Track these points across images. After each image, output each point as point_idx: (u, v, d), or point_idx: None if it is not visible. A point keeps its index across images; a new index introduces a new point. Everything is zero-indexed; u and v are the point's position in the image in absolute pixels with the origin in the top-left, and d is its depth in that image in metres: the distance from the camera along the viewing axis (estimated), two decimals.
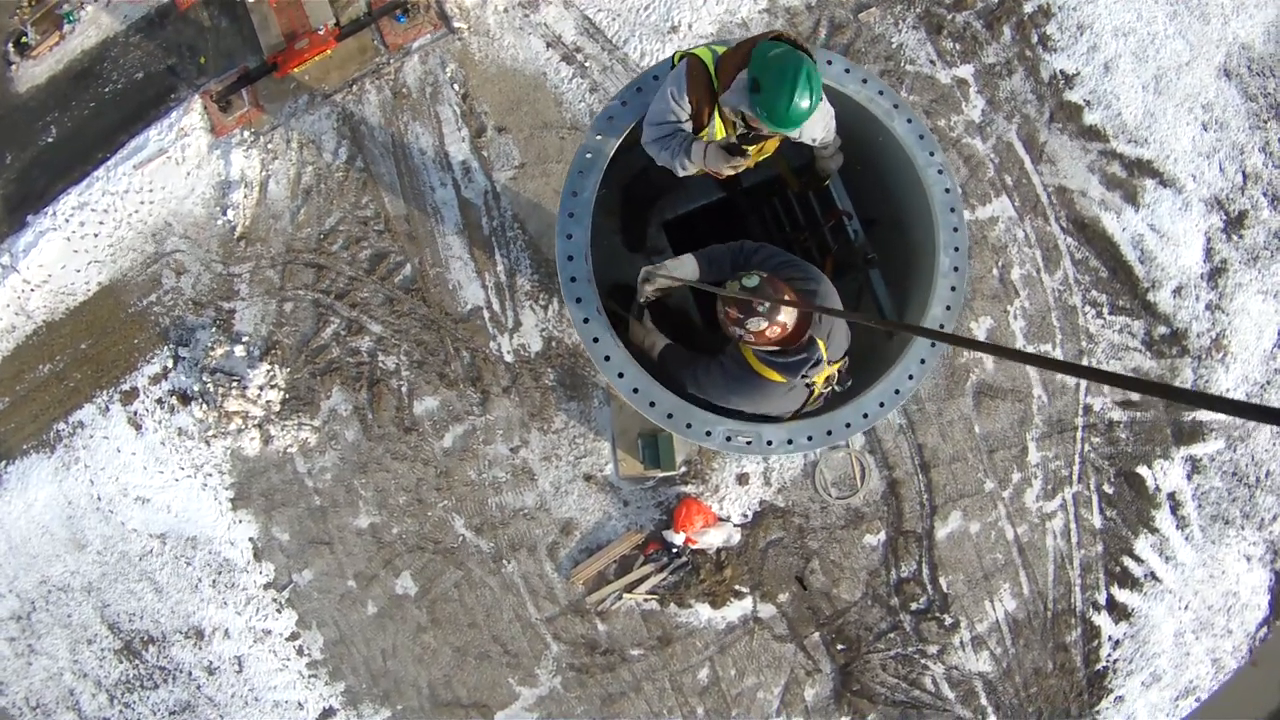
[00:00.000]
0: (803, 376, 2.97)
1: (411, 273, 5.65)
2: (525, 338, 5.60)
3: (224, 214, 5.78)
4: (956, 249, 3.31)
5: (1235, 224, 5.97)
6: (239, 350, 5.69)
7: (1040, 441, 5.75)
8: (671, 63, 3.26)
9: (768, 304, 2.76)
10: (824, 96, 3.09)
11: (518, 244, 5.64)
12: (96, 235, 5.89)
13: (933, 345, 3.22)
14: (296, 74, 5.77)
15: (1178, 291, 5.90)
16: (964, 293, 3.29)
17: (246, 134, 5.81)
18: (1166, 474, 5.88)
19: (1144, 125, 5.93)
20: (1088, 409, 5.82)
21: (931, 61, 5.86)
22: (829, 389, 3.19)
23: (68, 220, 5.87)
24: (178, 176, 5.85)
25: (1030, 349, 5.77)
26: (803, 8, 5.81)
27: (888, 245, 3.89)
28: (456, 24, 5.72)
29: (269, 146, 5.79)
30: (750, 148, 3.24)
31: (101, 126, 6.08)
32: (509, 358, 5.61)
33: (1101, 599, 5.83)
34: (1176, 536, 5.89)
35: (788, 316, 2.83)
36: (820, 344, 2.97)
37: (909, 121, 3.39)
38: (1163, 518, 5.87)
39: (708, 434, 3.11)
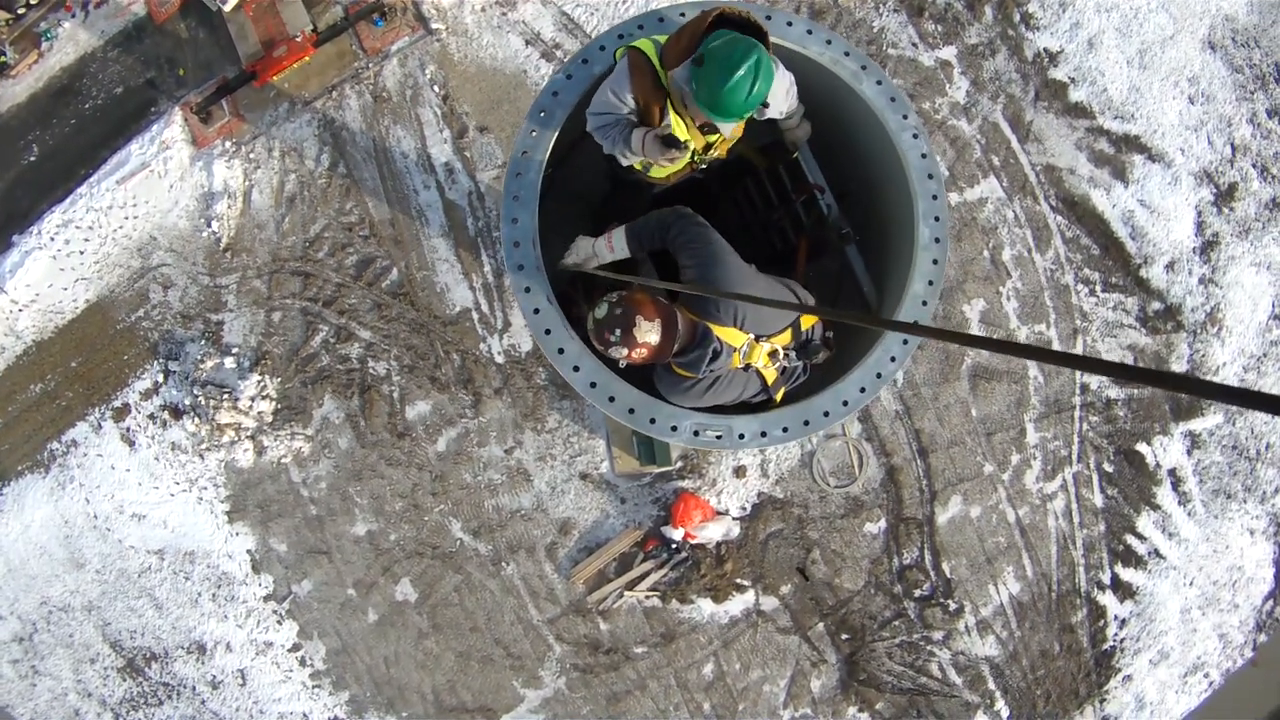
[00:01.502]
0: (711, 369, 2.79)
1: (398, 277, 5.62)
2: (515, 338, 5.57)
3: (208, 226, 5.75)
4: (937, 218, 3.10)
5: (1225, 196, 5.93)
6: (229, 362, 5.66)
7: (1038, 422, 5.71)
8: (614, 57, 3.08)
9: (618, 331, 2.60)
10: (779, 65, 2.95)
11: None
12: (82, 252, 5.86)
13: (914, 323, 3.08)
14: (276, 82, 5.74)
15: (1170, 266, 5.86)
16: (946, 265, 3.09)
17: (228, 144, 5.78)
18: (1166, 450, 5.84)
19: (1130, 100, 5.89)
20: (1085, 388, 5.78)
21: (914, 44, 5.83)
22: (797, 363, 2.99)
23: (53, 238, 5.84)
24: (161, 190, 5.82)
25: (1024, 330, 5.73)
26: None
27: (863, 219, 3.70)
28: (434, 25, 5.68)
29: (251, 156, 5.76)
30: (713, 137, 3.10)
31: (83, 143, 6.05)
32: (499, 359, 5.57)
33: (1106, 578, 5.80)
34: (1179, 513, 5.85)
35: (652, 335, 2.63)
36: (719, 331, 2.78)
37: (878, 84, 3.18)
38: (1164, 494, 5.83)
39: (673, 429, 2.92)
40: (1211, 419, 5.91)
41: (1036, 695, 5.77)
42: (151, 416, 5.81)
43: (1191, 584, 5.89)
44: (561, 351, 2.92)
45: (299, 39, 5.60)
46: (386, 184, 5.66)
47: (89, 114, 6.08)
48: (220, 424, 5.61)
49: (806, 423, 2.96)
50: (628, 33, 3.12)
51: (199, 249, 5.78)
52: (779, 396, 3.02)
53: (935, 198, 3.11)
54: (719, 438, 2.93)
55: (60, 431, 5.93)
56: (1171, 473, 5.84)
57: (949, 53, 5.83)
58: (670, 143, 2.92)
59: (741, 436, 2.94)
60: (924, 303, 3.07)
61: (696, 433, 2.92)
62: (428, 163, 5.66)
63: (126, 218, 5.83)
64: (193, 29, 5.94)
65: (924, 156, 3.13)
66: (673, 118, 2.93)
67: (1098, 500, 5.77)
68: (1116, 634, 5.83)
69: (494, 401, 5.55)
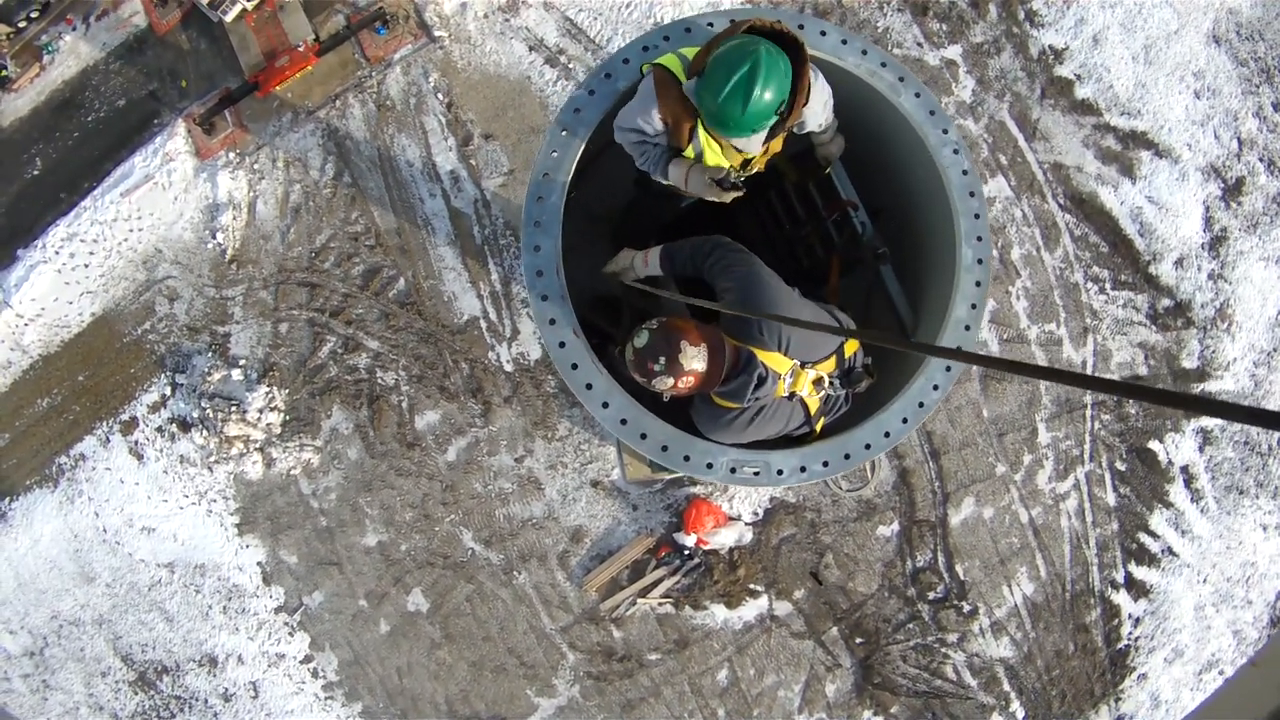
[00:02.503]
0: (757, 398, 2.66)
1: (406, 286, 5.60)
2: (524, 346, 5.55)
3: (214, 237, 5.73)
4: (979, 238, 2.92)
5: (1233, 191, 5.91)
6: (236, 374, 5.64)
7: (1050, 422, 5.69)
8: (640, 71, 2.90)
9: (662, 360, 2.47)
10: (819, 76, 2.78)
11: (511, 251, 5.58)
12: (87, 266, 5.84)
13: (957, 349, 2.86)
14: (279, 92, 5.71)
15: (1179, 263, 5.84)
16: (989, 286, 2.92)
17: (232, 155, 5.76)
18: (1178, 447, 5.82)
19: (1136, 96, 5.87)
20: None
21: (919, 43, 5.80)
22: (841, 391, 2.85)
23: (58, 252, 5.82)
24: (165, 202, 5.79)
25: (1034, 329, 5.71)
26: None
27: (898, 236, 3.51)
28: (437, 33, 5.66)
29: (255, 167, 5.74)
30: (749, 154, 2.90)
31: (86, 156, 6.02)
32: (509, 367, 5.55)
33: (1120, 577, 5.78)
34: (1192, 510, 5.83)
35: (698, 362, 2.50)
36: (764, 356, 2.65)
37: (917, 96, 2.98)
38: (1177, 491, 5.81)
39: (709, 466, 2.77)
40: None
41: (1051, 696, 5.76)
42: (159, 430, 5.79)
43: (1205, 581, 5.88)
44: (589, 387, 2.77)
45: (301, 48, 5.57)
46: (392, 193, 5.64)
47: (91, 127, 6.05)
48: (229, 436, 5.59)
49: (847, 456, 2.83)
50: (652, 44, 2.95)
51: (204, 261, 5.76)
52: (819, 427, 2.90)
53: (978, 216, 2.95)
54: (756, 474, 2.79)
55: (68, 446, 5.91)
56: (1184, 470, 5.83)
57: (954, 51, 5.81)
58: (725, 185, 2.73)
59: (780, 472, 2.81)
60: (967, 327, 2.92)
61: (734, 470, 2.78)
62: (433, 171, 5.64)
63: (131, 230, 5.80)
64: (194, 40, 5.92)
65: (965, 173, 2.97)
66: (702, 137, 2.77)
67: (1110, 499, 5.75)
68: (1131, 633, 5.82)
69: (504, 410, 5.53)
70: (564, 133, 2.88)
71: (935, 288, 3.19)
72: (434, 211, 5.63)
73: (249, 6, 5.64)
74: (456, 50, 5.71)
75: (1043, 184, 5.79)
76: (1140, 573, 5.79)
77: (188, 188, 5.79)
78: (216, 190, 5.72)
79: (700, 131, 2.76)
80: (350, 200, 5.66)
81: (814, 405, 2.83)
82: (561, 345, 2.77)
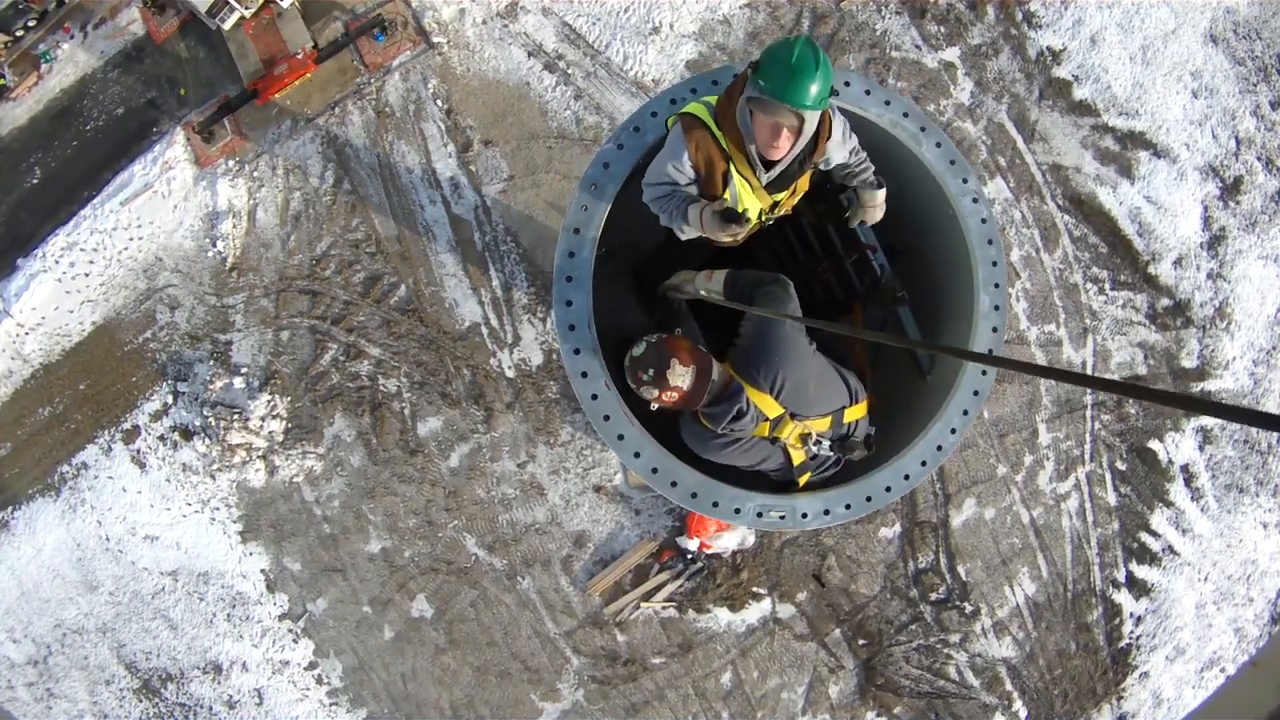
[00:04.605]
0: (731, 429, 2.78)
1: (407, 293, 5.60)
2: (525, 352, 5.55)
3: (214, 245, 5.73)
4: (996, 285, 3.02)
5: (1231, 190, 5.93)
6: (238, 382, 5.64)
7: (1050, 423, 5.71)
8: (666, 125, 2.91)
9: (651, 371, 2.63)
10: (835, 110, 2.82)
11: (512, 258, 5.59)
12: (87, 275, 5.83)
13: (976, 394, 2.96)
14: (277, 100, 5.71)
15: (1178, 262, 5.85)
16: (1005, 332, 3.02)
17: (231, 163, 5.76)
18: (1178, 446, 5.84)
19: (1134, 97, 5.88)
20: None
21: (917, 46, 5.81)
22: (831, 449, 2.94)
23: (58, 261, 5.82)
24: (165, 210, 5.79)
25: (1034, 330, 5.72)
26: (784, 0, 5.75)
27: (915, 278, 3.59)
28: (436, 39, 5.66)
29: (255, 174, 5.74)
30: (779, 195, 2.92)
31: (85, 164, 6.02)
32: (510, 373, 5.56)
33: (1121, 576, 5.80)
34: (1192, 508, 5.85)
35: (681, 379, 2.63)
36: (753, 395, 2.76)
37: (938, 146, 3.08)
38: (1177, 490, 5.83)
39: (736, 511, 2.87)
40: None
41: (1054, 695, 5.78)
42: (162, 438, 5.80)
43: (1206, 579, 5.90)
44: (622, 438, 2.85)
45: (300, 56, 5.57)
46: (392, 200, 5.64)
47: (90, 135, 6.05)
48: (231, 444, 5.60)
49: (869, 499, 2.92)
50: (680, 97, 2.99)
51: (205, 269, 5.76)
52: (802, 481, 2.98)
53: (995, 264, 3.04)
54: (782, 518, 2.90)
55: (70, 454, 5.91)
56: (1184, 469, 5.85)
57: (952, 54, 5.81)
58: (730, 217, 2.77)
59: (805, 516, 2.91)
60: (984, 372, 3.01)
61: (760, 514, 2.88)
62: (433, 178, 5.64)
63: (131, 239, 5.80)
64: (193, 48, 5.91)
65: (984, 221, 3.05)
66: (737, 181, 2.79)
67: (1111, 499, 5.77)
68: (1132, 631, 5.84)
69: (506, 416, 5.54)
70: (593, 187, 2.94)
71: (951, 331, 3.28)
72: (434, 218, 5.63)
73: (247, 14, 5.64)
74: (455, 56, 5.71)
75: (1041, 185, 5.80)
76: (1141, 571, 5.81)
77: (187, 196, 5.79)
78: (216, 198, 5.72)
79: (735, 174, 2.79)
80: (350, 207, 5.66)
81: (797, 457, 2.92)
82: (594, 397, 2.84)
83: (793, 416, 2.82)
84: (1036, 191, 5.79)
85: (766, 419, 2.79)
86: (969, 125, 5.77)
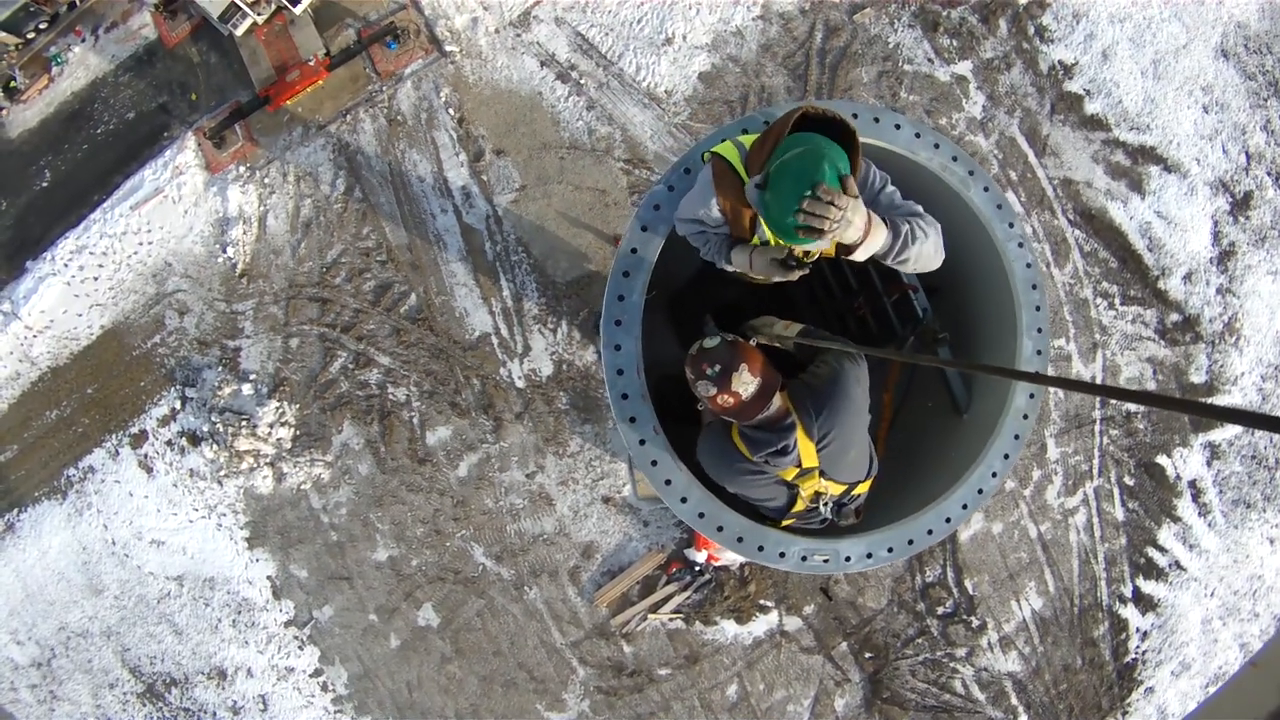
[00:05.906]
0: (767, 462, 2.70)
1: (417, 302, 5.60)
2: (535, 362, 5.55)
3: (224, 251, 5.73)
4: (1039, 330, 3.00)
5: (1241, 205, 5.93)
6: (247, 388, 5.64)
7: (1059, 437, 5.71)
8: (701, 160, 2.80)
9: (718, 367, 2.53)
10: (871, 166, 2.67)
11: (523, 268, 5.58)
12: (96, 279, 5.83)
13: (1016, 438, 2.95)
14: (289, 106, 5.71)
15: (1188, 277, 5.85)
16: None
17: (242, 169, 5.75)
18: (1186, 462, 5.84)
19: (1145, 111, 5.88)
20: (1105, 402, 5.78)
21: (929, 59, 5.80)
22: (830, 511, 2.91)
23: (67, 265, 5.82)
24: (175, 215, 5.79)
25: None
26: (797, 12, 5.75)
27: (955, 316, 3.55)
28: (448, 48, 5.65)
29: (265, 181, 5.73)
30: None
31: (96, 168, 6.02)
32: (520, 383, 5.55)
33: (1127, 591, 5.80)
34: (1199, 524, 5.85)
35: (744, 388, 2.53)
36: (801, 435, 2.68)
37: (985, 190, 3.04)
38: (1185, 506, 5.83)
39: (781, 555, 2.86)
40: (1231, 429, 5.91)
41: (1060, 710, 5.78)
42: (169, 443, 5.79)
43: (1212, 595, 5.90)
44: (669, 483, 2.82)
45: (312, 63, 5.57)
46: (403, 208, 5.64)
47: (101, 139, 6.04)
48: (239, 451, 5.59)
49: (911, 542, 2.92)
50: (730, 136, 2.89)
51: (214, 275, 5.75)
52: (785, 523, 2.97)
53: (1039, 309, 3.01)
54: (826, 561, 2.88)
55: (77, 458, 5.91)
56: (1192, 484, 5.85)
57: (965, 67, 5.81)
58: (789, 264, 2.65)
59: (848, 559, 2.90)
60: (1025, 415, 3.00)
61: (804, 558, 2.87)
62: (444, 186, 5.63)
63: (141, 243, 5.80)
64: (204, 53, 5.90)
65: (1029, 266, 3.02)
66: (765, 228, 2.66)
67: (1119, 514, 5.77)
68: (1138, 646, 5.84)
69: (515, 426, 5.53)
70: (644, 230, 2.89)
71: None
72: (445, 227, 5.62)
73: (260, 20, 5.64)
74: (468, 65, 5.71)
75: (1052, 199, 5.80)
76: (1148, 587, 5.81)
77: (198, 201, 5.79)
78: (227, 204, 5.71)
79: (763, 223, 2.68)
80: (361, 215, 5.65)
81: (799, 506, 2.89)
82: (642, 443, 2.81)
83: (821, 474, 2.77)
84: (1047, 206, 5.79)
85: (799, 465, 2.73)
86: (980, 139, 5.77)
